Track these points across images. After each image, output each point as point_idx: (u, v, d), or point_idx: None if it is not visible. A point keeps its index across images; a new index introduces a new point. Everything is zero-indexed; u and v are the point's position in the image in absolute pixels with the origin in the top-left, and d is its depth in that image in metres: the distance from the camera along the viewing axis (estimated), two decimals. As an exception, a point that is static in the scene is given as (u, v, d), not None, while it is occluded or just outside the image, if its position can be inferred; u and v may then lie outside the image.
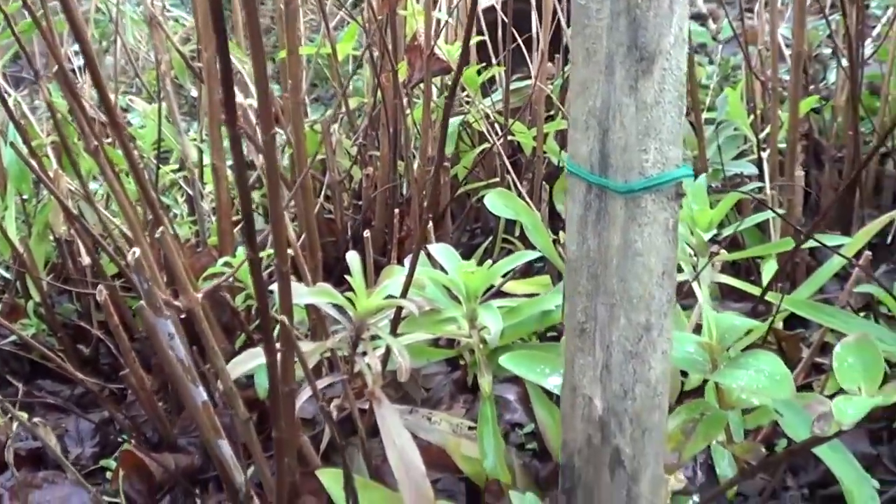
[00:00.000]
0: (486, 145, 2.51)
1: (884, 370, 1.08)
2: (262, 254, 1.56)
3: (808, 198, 2.70)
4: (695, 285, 1.68)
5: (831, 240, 1.84)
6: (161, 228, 1.53)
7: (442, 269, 1.75)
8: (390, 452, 1.47)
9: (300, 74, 1.75)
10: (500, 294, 1.84)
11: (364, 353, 1.53)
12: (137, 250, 1.32)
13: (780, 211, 2.14)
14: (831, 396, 1.17)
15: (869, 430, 2.05)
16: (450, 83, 2.33)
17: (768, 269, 2.01)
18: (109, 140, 2.29)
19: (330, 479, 1.51)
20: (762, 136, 2.35)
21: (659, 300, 0.98)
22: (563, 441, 1.07)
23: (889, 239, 2.47)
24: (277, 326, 1.33)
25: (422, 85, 2.26)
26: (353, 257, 1.60)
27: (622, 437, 1.01)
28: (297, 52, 1.74)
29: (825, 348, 1.87)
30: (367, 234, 1.99)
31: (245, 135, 1.52)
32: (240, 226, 2.02)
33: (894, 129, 2.46)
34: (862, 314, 2.16)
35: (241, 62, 2.46)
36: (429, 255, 1.79)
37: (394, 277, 1.63)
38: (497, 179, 2.51)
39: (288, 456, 1.56)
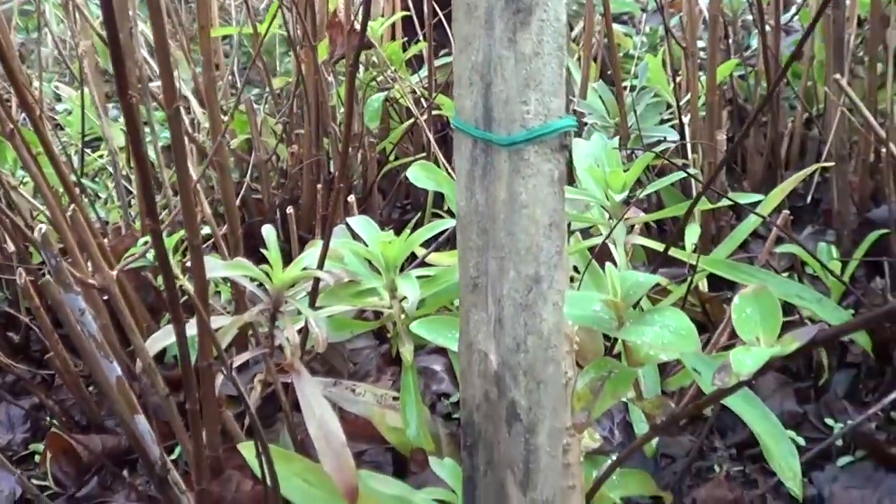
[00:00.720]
0: (413, 120, 2.51)
1: (780, 320, 1.09)
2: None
3: (734, 163, 2.73)
4: (611, 247, 1.69)
5: (745, 198, 1.86)
6: (73, 207, 1.52)
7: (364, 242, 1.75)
8: (310, 423, 1.47)
9: (211, 51, 1.75)
10: (425, 266, 1.85)
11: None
12: (44, 226, 1.31)
13: (694, 170, 2.17)
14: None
15: (796, 389, 2.09)
16: (374, 59, 2.34)
17: (691, 233, 2.04)
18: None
19: (251, 452, 1.51)
20: (683, 101, 2.37)
21: (547, 252, 0.99)
22: (462, 399, 1.08)
23: (809, 199, 2.51)
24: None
25: (345, 61, 2.26)
26: (268, 230, 1.60)
27: (517, 391, 1.02)
28: (209, 28, 1.73)
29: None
30: (290, 210, 1.99)
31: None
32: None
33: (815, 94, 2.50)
34: (786, 275, 2.19)
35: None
36: (351, 229, 1.80)
37: (312, 250, 1.63)
38: (425, 154, 2.52)
39: (210, 431, 1.56)
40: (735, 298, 1.17)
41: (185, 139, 1.27)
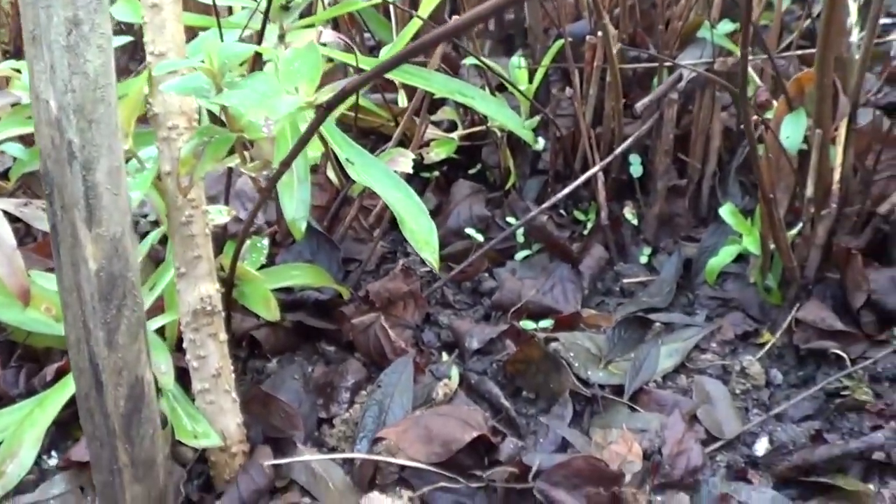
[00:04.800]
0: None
1: (320, 74, 1.17)
2: None
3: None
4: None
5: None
6: None
7: None
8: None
9: None
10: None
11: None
12: None
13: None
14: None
15: (488, 197, 2.22)
16: None
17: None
18: None
19: None
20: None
21: (85, -3, 1.04)
22: (39, 151, 1.13)
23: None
24: None
25: None
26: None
27: (71, 130, 1.07)
28: None
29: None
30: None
31: None
32: None
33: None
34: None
35: None
36: None
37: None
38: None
39: None
40: (286, 52, 1.24)
41: None
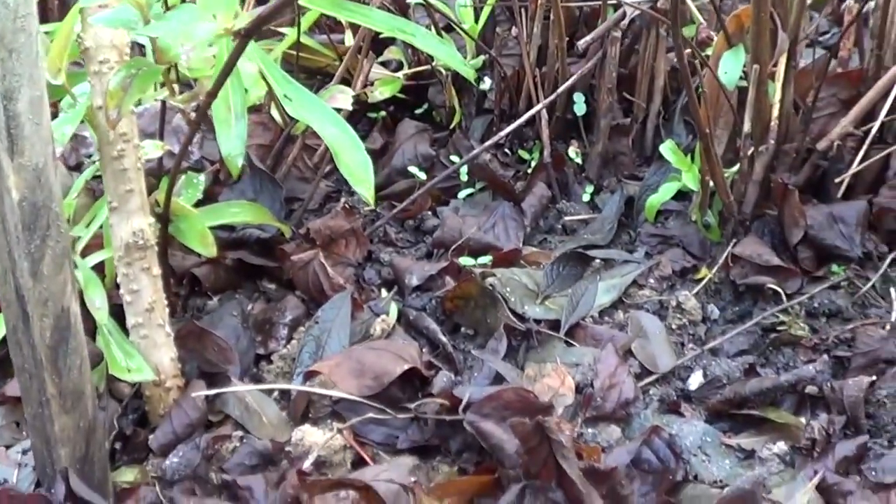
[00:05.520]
0: None
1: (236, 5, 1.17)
2: None
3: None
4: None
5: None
6: None
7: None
8: None
9: None
10: None
11: None
12: None
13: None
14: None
15: (434, 137, 2.21)
16: None
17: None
18: None
19: None
20: None
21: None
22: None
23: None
24: None
25: None
26: None
27: (-10, 58, 1.07)
28: None
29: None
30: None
31: None
32: None
33: None
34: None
35: None
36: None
37: None
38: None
39: None
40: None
41: None
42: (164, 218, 1.54)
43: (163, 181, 1.63)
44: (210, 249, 1.61)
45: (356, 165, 1.56)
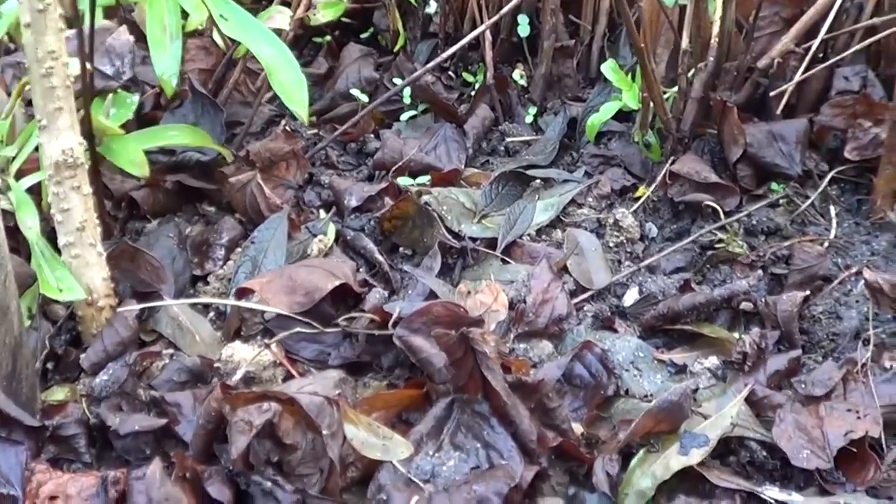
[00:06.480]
0: None
1: None
2: None
3: None
4: None
5: None
6: None
7: None
8: None
9: None
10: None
11: None
12: None
13: None
14: None
15: (379, 62, 2.19)
16: None
17: None
18: None
19: None
20: None
21: None
22: None
23: None
24: None
25: None
26: None
27: None
28: None
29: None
30: None
31: None
32: None
33: None
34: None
35: None
36: None
37: None
38: None
39: None
40: None
41: None
42: (88, 136, 1.51)
43: (96, 102, 1.62)
44: (142, 170, 1.59)
45: (290, 84, 1.55)
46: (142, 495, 1.15)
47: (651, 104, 1.75)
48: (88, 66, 1.44)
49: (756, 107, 1.81)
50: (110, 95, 1.65)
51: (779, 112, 1.77)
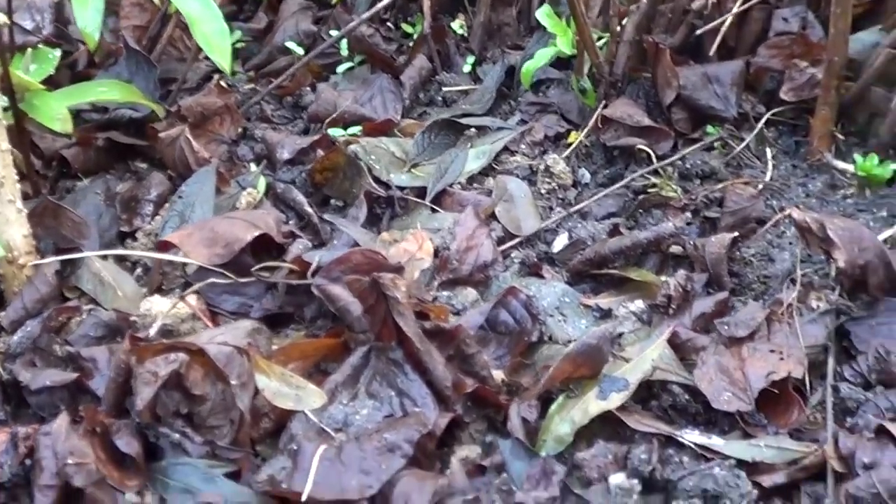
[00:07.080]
0: None
1: None
2: None
3: None
4: None
5: None
6: None
7: None
8: None
9: None
10: None
11: None
12: None
13: None
14: None
15: (318, 16, 2.16)
16: None
17: None
18: None
19: None
20: None
21: None
22: None
23: None
24: None
25: None
26: None
27: None
28: None
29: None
30: None
31: None
32: None
33: None
34: None
35: None
36: None
37: None
38: None
39: None
40: None
41: None
42: (9, 92, 1.50)
43: (16, 58, 1.60)
44: (65, 127, 1.57)
45: (212, 34, 1.54)
46: (48, 449, 1.14)
47: (585, 49, 1.73)
48: (6, 19, 1.41)
49: (692, 50, 1.79)
50: (29, 50, 1.63)
51: (713, 52, 1.74)
